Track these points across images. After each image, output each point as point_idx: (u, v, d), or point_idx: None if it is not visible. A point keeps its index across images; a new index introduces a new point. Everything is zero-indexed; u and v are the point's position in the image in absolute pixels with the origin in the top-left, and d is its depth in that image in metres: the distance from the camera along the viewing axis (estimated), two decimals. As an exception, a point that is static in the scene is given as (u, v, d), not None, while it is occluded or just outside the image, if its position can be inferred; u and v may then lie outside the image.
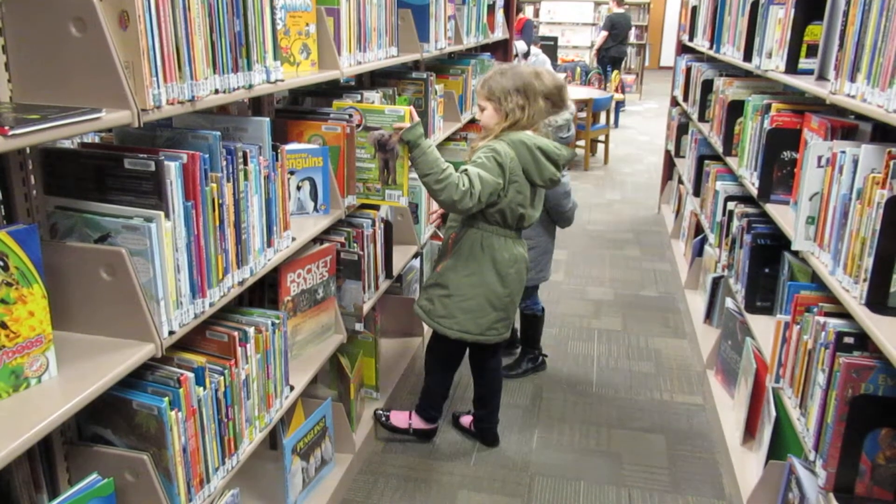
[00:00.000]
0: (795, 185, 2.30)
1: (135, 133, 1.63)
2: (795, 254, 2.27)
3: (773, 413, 2.29)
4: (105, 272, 1.34)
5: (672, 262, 4.64)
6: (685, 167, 4.61)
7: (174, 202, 1.39)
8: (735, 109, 3.10)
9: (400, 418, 2.75)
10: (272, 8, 1.65)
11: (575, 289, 4.30)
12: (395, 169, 2.32)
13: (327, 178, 2.18)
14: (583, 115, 7.02)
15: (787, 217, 2.29)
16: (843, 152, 1.80)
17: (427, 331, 3.25)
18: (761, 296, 2.58)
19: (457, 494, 2.48)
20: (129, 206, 1.38)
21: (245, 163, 1.63)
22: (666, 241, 5.04)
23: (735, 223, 2.84)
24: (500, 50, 4.84)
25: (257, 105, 2.21)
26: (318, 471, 2.35)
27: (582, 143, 7.19)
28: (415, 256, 3.13)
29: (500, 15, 4.56)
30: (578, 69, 9.89)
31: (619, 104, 9.71)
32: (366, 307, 2.43)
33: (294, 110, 2.44)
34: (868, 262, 1.62)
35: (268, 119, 1.79)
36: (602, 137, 7.71)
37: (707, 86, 3.96)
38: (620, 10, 10.13)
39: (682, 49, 5.27)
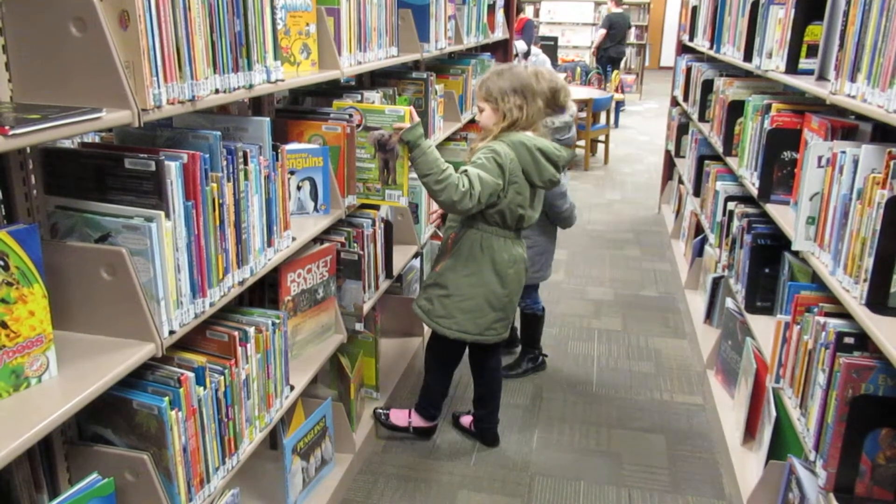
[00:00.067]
0: (796, 186, 2.30)
1: (135, 133, 1.63)
2: (796, 254, 2.27)
3: (774, 413, 2.29)
4: (105, 272, 1.34)
5: (672, 262, 4.64)
6: (685, 167, 4.61)
7: (174, 202, 1.39)
8: (735, 109, 3.10)
9: (400, 417, 2.75)
10: (272, 8, 1.65)
11: (575, 289, 4.30)
12: (395, 169, 2.32)
13: (327, 178, 2.18)
14: (583, 115, 7.02)
15: (788, 217, 2.29)
16: (844, 152, 1.80)
17: (427, 330, 3.25)
18: (761, 296, 2.58)
19: (457, 494, 2.48)
20: (129, 206, 1.38)
21: (245, 163, 1.63)
22: (666, 241, 5.04)
23: (735, 223, 2.84)
24: (501, 50, 4.84)
25: (257, 105, 2.21)
26: (318, 471, 2.35)
27: (582, 143, 7.19)
28: (415, 256, 3.13)
29: (500, 15, 4.56)
30: (578, 69, 9.90)
31: (619, 104, 9.71)
32: (366, 307, 2.44)
33: (294, 110, 2.44)
34: (868, 262, 1.62)
35: (268, 119, 1.79)
36: (602, 137, 7.71)
37: (707, 86, 3.96)
38: (619, 10, 10.14)
39: (683, 49, 5.27)
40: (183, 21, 1.35)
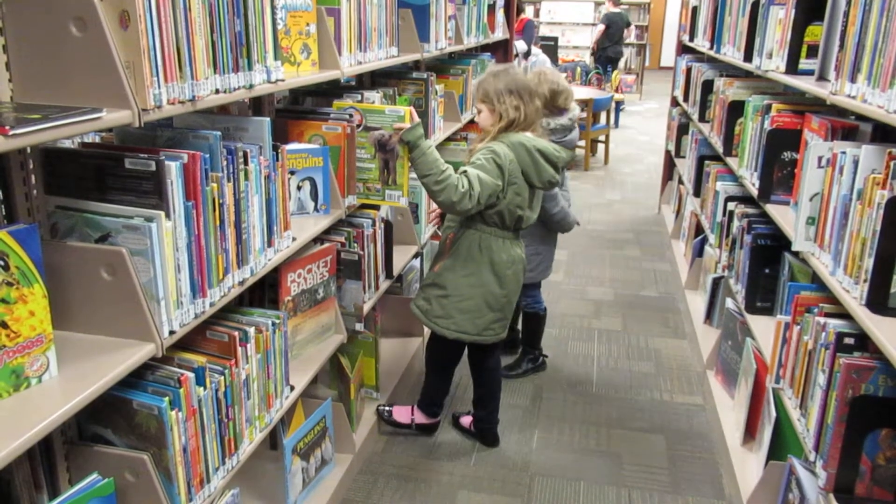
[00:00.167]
0: (796, 186, 2.30)
1: (135, 133, 1.63)
2: (796, 254, 2.27)
3: (774, 413, 2.29)
4: (105, 272, 1.34)
5: (672, 262, 4.64)
6: (685, 167, 4.61)
7: (175, 202, 1.39)
8: (735, 110, 3.10)
9: (402, 413, 2.76)
10: (273, 8, 1.65)
11: (575, 289, 4.30)
12: (395, 169, 2.32)
13: (327, 178, 2.18)
14: (583, 115, 7.02)
15: (788, 217, 2.29)
16: (844, 153, 1.80)
17: (427, 331, 3.25)
18: (761, 296, 2.58)
19: (457, 494, 2.48)
20: (129, 206, 1.38)
21: (245, 163, 1.63)
22: (666, 242, 5.04)
23: (735, 223, 2.84)
24: (501, 50, 4.84)
25: (258, 105, 2.20)
26: (318, 471, 2.35)
27: (582, 143, 7.19)
28: (415, 256, 3.13)
29: (500, 15, 4.56)
30: (579, 69, 9.90)
31: (619, 104, 9.72)
32: (366, 307, 2.43)
33: (294, 110, 2.44)
34: (868, 262, 1.62)
35: (268, 119, 1.79)
36: (602, 137, 7.71)
37: (707, 86, 3.96)
38: (616, 10, 10.16)
39: (683, 49, 5.27)
40: (183, 21, 1.35)
